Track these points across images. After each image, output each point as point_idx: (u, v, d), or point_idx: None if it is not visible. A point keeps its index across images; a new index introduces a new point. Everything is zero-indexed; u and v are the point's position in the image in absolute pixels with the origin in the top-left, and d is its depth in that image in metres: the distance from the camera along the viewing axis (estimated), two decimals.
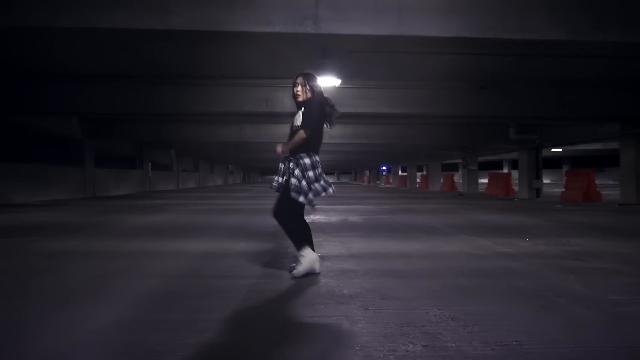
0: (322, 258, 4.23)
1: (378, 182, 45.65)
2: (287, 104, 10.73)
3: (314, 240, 5.11)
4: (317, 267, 3.56)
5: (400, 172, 38.92)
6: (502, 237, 5.85)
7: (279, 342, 2.18)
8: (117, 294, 3.03)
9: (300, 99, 3.56)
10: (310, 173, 3.44)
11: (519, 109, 10.85)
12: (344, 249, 4.86)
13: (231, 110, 10.65)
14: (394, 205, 12.33)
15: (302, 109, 3.52)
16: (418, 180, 32.27)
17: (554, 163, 39.25)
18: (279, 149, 3.38)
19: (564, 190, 15.56)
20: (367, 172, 52.34)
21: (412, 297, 2.94)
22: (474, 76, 9.67)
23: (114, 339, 2.20)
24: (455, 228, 6.90)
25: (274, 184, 3.58)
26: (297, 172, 3.42)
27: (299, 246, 3.51)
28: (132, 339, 2.18)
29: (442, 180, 26.46)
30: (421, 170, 38.51)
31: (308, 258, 3.48)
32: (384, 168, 44.27)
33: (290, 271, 3.54)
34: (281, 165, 3.53)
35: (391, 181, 38.84)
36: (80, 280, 3.44)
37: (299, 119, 3.51)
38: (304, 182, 3.40)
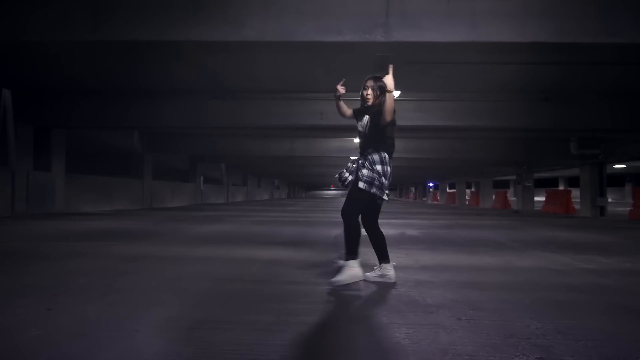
0: (395, 268, 4.12)
1: (425, 198, 44.75)
2: (342, 118, 10.81)
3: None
4: (359, 276, 3.44)
5: (447, 189, 37.98)
6: (579, 253, 5.49)
7: (381, 349, 2.09)
8: (201, 294, 3.05)
9: (369, 102, 3.51)
10: (379, 167, 3.43)
11: (582, 120, 10.32)
12: (411, 261, 4.71)
13: (287, 124, 10.80)
14: (449, 221, 11.96)
15: (372, 112, 3.48)
16: (467, 197, 31.32)
17: (615, 180, 36.92)
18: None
19: (632, 208, 14.56)
20: (412, 189, 51.48)
21: (504, 309, 2.77)
22: (537, 87, 9.31)
23: (210, 336, 2.19)
24: (523, 243, 6.56)
25: (345, 175, 3.52)
26: (367, 164, 3.46)
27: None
28: (225, 338, 2.16)
29: (493, 197, 25.55)
30: (470, 188, 37.42)
31: (353, 270, 3.39)
32: (431, 184, 43.39)
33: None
34: (350, 164, 3.57)
35: (438, 198, 37.94)
36: (163, 281, 3.51)
37: (367, 123, 3.48)
38: (375, 174, 3.42)
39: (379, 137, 3.50)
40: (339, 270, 3.51)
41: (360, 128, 3.58)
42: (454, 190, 33.57)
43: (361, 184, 3.40)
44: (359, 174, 3.45)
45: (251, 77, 9.04)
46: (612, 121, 10.21)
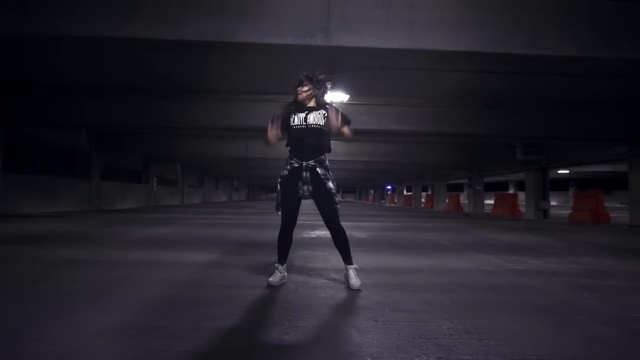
0: (328, 271, 4.15)
1: (383, 201, 45.50)
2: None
3: (321, 254, 5.03)
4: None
5: (405, 192, 38.79)
6: (513, 255, 5.73)
7: (284, 353, 2.09)
8: (119, 300, 2.96)
9: (301, 97, 3.43)
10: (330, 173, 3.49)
11: (526, 128, 10.81)
12: None
13: (239, 125, 10.69)
14: (400, 223, 12.21)
15: (315, 110, 3.43)
16: (423, 200, 32.11)
17: (560, 185, 38.99)
18: (334, 122, 3.25)
19: (572, 211, 15.39)
20: (372, 192, 52.23)
21: (422, 310, 2.84)
22: (482, 95, 9.68)
23: (115, 344, 2.12)
24: (464, 245, 6.78)
25: (303, 193, 3.42)
26: (329, 175, 3.44)
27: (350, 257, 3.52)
28: (133, 345, 2.10)
29: (447, 200, 26.32)
30: (426, 190, 38.38)
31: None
32: (388, 187, 44.17)
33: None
34: (305, 174, 3.39)
35: (396, 200, 38.68)
36: (84, 286, 3.37)
37: (315, 118, 3.38)
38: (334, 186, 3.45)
39: (328, 142, 3.50)
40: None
41: (297, 122, 3.40)
42: (411, 193, 34.32)
43: (331, 185, 3.40)
44: (328, 185, 3.39)
45: (201, 77, 8.90)
46: (550, 129, 10.76)
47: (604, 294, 3.48)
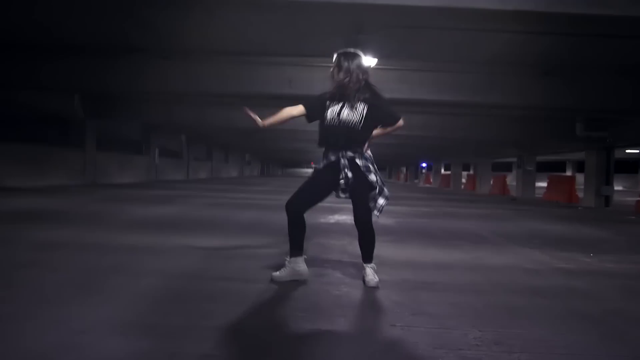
0: (344, 264, 4.20)
1: (416, 180, 45.20)
2: (315, 86, 10.66)
3: (339, 243, 5.09)
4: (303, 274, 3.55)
5: (442, 171, 38.40)
6: (562, 250, 5.66)
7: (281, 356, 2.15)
8: (109, 291, 3.07)
9: (334, 82, 3.45)
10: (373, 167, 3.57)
11: (588, 99, 10.44)
12: None
13: (250, 92, 10.69)
14: (434, 208, 12.16)
15: (353, 102, 3.41)
16: (464, 180, 31.77)
17: (628, 167, 37.81)
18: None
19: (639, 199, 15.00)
20: (403, 169, 51.90)
21: (448, 315, 2.86)
22: (536, 60, 9.37)
23: (103, 342, 2.21)
24: (506, 237, 6.74)
25: (341, 189, 3.45)
26: (372, 168, 3.50)
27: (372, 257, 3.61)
28: (123, 344, 2.19)
29: (492, 182, 25.96)
30: (467, 169, 37.92)
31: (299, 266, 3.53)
32: (423, 165, 43.75)
33: None
34: (344, 161, 3.42)
35: (432, 180, 38.38)
36: (73, 274, 3.51)
37: (349, 114, 3.40)
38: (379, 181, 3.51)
39: (366, 136, 3.52)
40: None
41: (329, 116, 3.42)
42: (450, 172, 33.98)
43: (374, 177, 3.47)
44: (363, 166, 3.45)
45: (206, 36, 8.86)
46: (620, 100, 10.37)
47: None
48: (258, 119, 3.50)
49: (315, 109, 3.51)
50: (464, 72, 10.13)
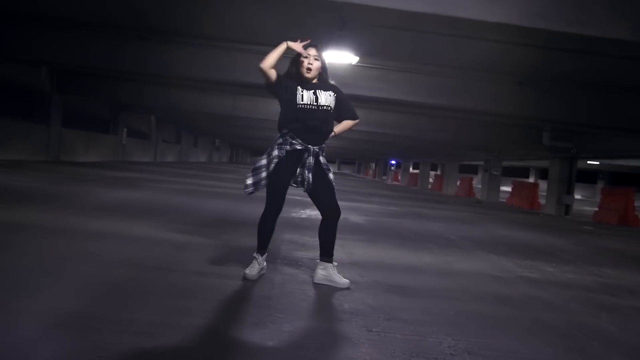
0: (316, 263, 4.21)
1: (384, 177, 45.65)
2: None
3: (312, 239, 5.11)
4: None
5: (411, 169, 38.91)
6: (526, 258, 5.85)
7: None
8: (80, 281, 3.00)
9: (310, 74, 3.46)
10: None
11: (558, 111, 10.77)
12: (344, 254, 4.82)
13: (228, 79, 10.55)
14: (403, 208, 12.33)
15: (324, 89, 3.45)
16: (431, 180, 32.29)
17: (588, 177, 39.26)
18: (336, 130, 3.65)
19: (597, 210, 15.59)
20: (372, 165, 52.32)
21: (422, 321, 2.92)
22: (512, 69, 9.58)
23: (74, 337, 2.16)
24: (472, 242, 6.90)
25: (302, 183, 3.46)
26: (329, 165, 3.56)
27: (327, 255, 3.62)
28: (97, 340, 2.15)
29: (458, 183, 26.49)
30: (435, 169, 38.54)
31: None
32: (392, 162, 44.22)
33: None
34: (309, 159, 3.39)
35: (400, 178, 38.86)
36: (40, 260, 3.41)
37: (326, 99, 3.41)
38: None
39: (332, 126, 3.58)
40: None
41: (305, 100, 3.37)
42: (418, 170, 34.47)
43: (332, 176, 3.53)
44: (324, 165, 3.49)
45: (186, 19, 8.70)
46: (589, 115, 10.71)
47: (623, 317, 3.59)
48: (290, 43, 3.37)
49: (281, 85, 3.42)
50: (442, 75, 10.26)
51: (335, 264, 3.60)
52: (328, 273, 3.54)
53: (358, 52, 8.09)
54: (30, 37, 10.17)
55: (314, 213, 8.04)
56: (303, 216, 7.63)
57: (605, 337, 3.04)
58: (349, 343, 2.46)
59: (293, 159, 3.41)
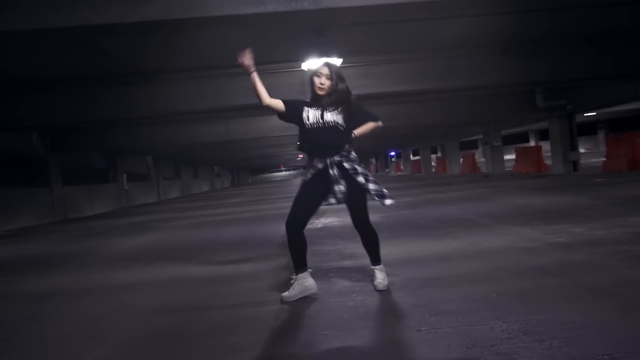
0: (348, 270, 4.19)
1: (387, 169, 45.61)
2: (281, 92, 10.64)
3: (335, 248, 5.08)
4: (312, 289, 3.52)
5: (412, 156, 38.87)
6: (550, 223, 5.81)
7: None
8: (120, 339, 2.98)
9: (323, 92, 3.46)
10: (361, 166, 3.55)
11: (547, 72, 10.74)
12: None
13: (217, 106, 10.56)
14: (414, 197, 12.29)
15: (333, 107, 3.43)
16: (434, 163, 32.24)
17: (587, 129, 39.08)
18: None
19: (605, 159, 15.53)
20: (373, 160, 52.28)
21: (467, 310, 2.89)
22: (494, 40, 9.59)
23: None
24: (492, 218, 6.86)
25: (336, 197, 3.43)
26: (360, 169, 3.47)
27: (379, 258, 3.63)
28: None
29: (461, 162, 26.43)
30: (435, 152, 38.48)
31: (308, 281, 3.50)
32: (392, 153, 44.20)
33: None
34: (333, 171, 3.39)
35: (402, 168, 38.80)
36: (78, 324, 3.39)
37: (332, 115, 3.42)
38: (372, 183, 3.49)
39: (348, 138, 3.53)
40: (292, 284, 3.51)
41: (312, 119, 3.43)
42: (419, 157, 34.42)
43: (362, 179, 3.45)
44: (350, 169, 3.44)
45: (166, 56, 8.72)
46: (577, 69, 10.70)
47: None
48: (251, 65, 3.45)
49: (294, 110, 3.49)
50: (425, 60, 10.28)
51: (381, 266, 3.61)
52: (374, 276, 3.58)
53: (339, 53, 8.10)
54: (15, 105, 10.22)
55: (328, 221, 8.02)
56: (319, 226, 7.59)
57: None
58: (402, 348, 2.43)
59: (320, 180, 3.44)
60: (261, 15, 4.73)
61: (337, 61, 8.12)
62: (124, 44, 7.48)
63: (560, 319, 2.59)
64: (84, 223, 13.91)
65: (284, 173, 74.84)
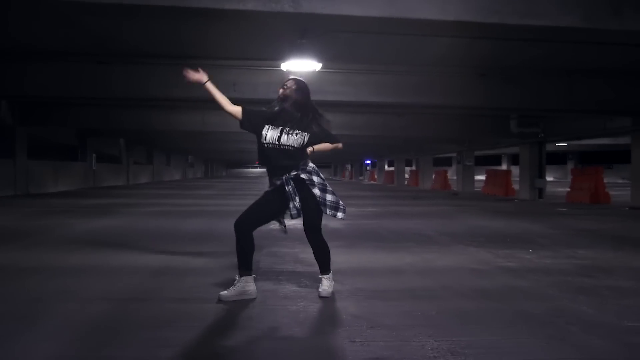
0: (299, 274, 4.21)
1: (361, 177, 45.88)
2: (260, 89, 10.64)
3: (292, 251, 5.09)
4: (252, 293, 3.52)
5: (386, 167, 39.19)
6: (504, 247, 5.95)
7: None
8: (57, 322, 2.93)
9: (287, 103, 3.48)
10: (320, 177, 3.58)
11: (522, 99, 11.02)
12: None
13: (193, 96, 10.40)
14: (381, 207, 12.40)
15: (294, 129, 3.46)
16: (407, 176, 32.57)
17: (558, 158, 40.18)
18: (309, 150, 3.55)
19: (569, 190, 15.96)
20: (348, 167, 52.53)
21: (405, 326, 2.94)
22: (473, 62, 9.76)
23: None
24: (450, 236, 6.98)
25: (290, 214, 3.46)
26: (316, 179, 3.49)
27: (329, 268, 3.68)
28: None
29: (433, 177, 26.79)
30: (410, 165, 38.91)
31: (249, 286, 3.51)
32: (368, 162, 44.48)
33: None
34: (288, 188, 3.42)
35: (376, 177, 39.09)
36: (16, 303, 3.32)
37: (289, 139, 3.44)
38: (329, 194, 3.51)
39: (304, 154, 3.57)
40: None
41: (269, 139, 3.43)
42: (393, 168, 34.73)
43: (317, 191, 3.46)
44: (307, 180, 3.46)
45: (146, 40, 8.62)
46: (550, 100, 10.98)
47: (600, 298, 3.67)
48: (203, 76, 3.49)
49: (252, 120, 3.53)
50: (406, 74, 10.41)
51: (329, 275, 3.65)
52: (320, 283, 3.62)
53: (320, 58, 8.13)
54: None
55: (292, 223, 8.02)
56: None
57: (584, 320, 3.11)
58: (332, 356, 2.46)
59: (278, 195, 3.49)
60: (241, 12, 4.72)
61: (316, 65, 8.16)
62: (104, 22, 7.35)
63: (489, 343, 2.66)
64: (45, 200, 13.58)
65: (258, 170, 74.50)
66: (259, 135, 3.49)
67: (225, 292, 3.43)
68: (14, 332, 2.75)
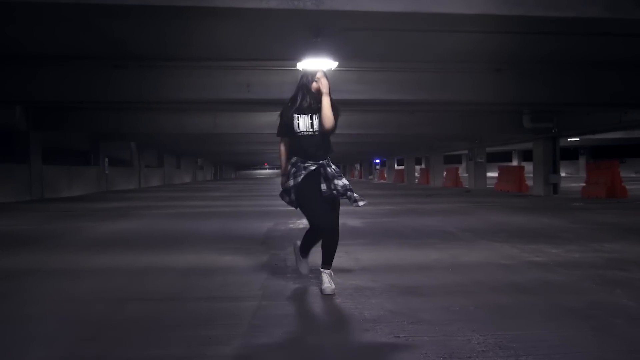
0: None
1: (371, 177, 45.79)
2: (273, 90, 10.63)
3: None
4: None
5: (396, 166, 39.07)
6: (528, 242, 5.88)
7: None
8: (94, 323, 2.92)
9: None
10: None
11: (538, 94, 10.90)
12: (351, 261, 4.81)
13: (206, 97, 10.47)
14: (396, 205, 12.35)
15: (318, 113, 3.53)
16: (417, 174, 32.45)
17: (570, 154, 39.85)
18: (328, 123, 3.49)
19: (584, 185, 15.80)
20: (358, 166, 52.44)
21: (446, 320, 2.90)
22: (489, 57, 9.68)
23: None
24: (472, 232, 6.92)
25: (336, 189, 3.47)
26: (333, 170, 3.54)
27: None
28: None
29: (444, 175, 26.66)
30: (420, 163, 38.76)
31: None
32: (377, 161, 44.39)
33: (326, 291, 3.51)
34: (330, 170, 3.51)
35: (386, 176, 38.98)
36: (49, 305, 3.32)
37: (316, 122, 3.53)
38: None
39: (329, 143, 3.62)
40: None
41: (302, 127, 3.51)
42: (403, 167, 34.62)
43: (345, 181, 3.56)
44: (337, 172, 3.54)
45: (161, 43, 8.63)
46: (569, 94, 10.80)
47: (637, 291, 3.61)
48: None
49: (288, 130, 3.58)
50: (420, 71, 10.34)
51: (329, 270, 3.62)
52: (322, 279, 3.59)
53: (335, 56, 8.10)
54: (3, 80, 10.00)
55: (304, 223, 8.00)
56: (300, 226, 7.58)
57: (626, 313, 3.05)
58: (381, 353, 2.43)
59: (312, 179, 3.47)
60: (263, 10, 4.70)
61: (332, 64, 8.13)
62: (120, 26, 7.38)
63: (535, 337, 2.62)
64: (61, 204, 13.66)
65: (267, 171, 74.59)
66: (291, 127, 3.52)
67: (327, 284, 3.50)
68: (52, 334, 2.74)
